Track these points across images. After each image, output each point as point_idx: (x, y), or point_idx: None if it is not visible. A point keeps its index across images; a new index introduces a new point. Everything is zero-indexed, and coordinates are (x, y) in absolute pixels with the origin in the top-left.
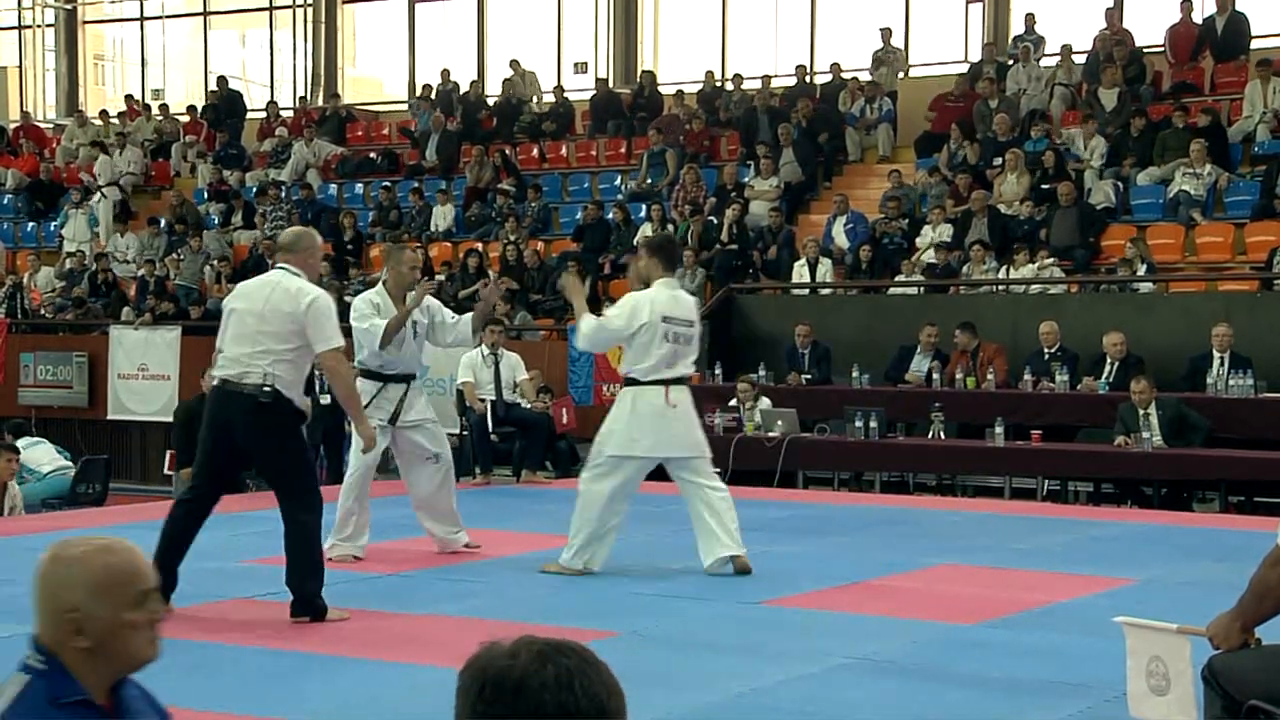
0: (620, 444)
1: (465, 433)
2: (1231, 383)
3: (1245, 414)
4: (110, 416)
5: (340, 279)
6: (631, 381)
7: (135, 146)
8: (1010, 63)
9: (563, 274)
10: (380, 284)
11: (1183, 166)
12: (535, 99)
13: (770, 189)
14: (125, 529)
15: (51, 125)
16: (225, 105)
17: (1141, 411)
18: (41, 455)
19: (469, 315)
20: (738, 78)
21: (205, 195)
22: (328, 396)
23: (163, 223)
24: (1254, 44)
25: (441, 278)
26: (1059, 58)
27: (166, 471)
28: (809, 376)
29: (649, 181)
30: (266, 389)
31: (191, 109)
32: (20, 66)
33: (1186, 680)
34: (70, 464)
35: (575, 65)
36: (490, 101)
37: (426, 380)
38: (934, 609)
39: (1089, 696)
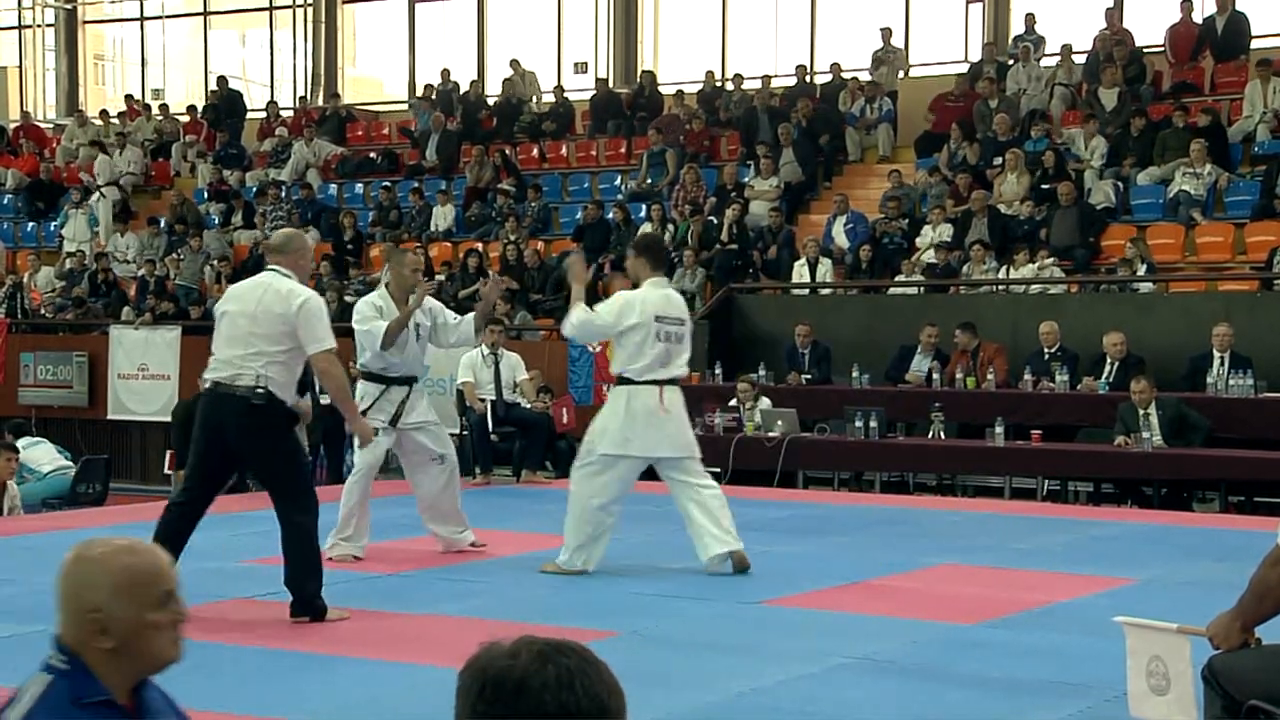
0: (613, 443)
1: (465, 433)
2: (1231, 383)
3: (1245, 414)
4: (110, 416)
5: (340, 279)
6: (625, 380)
7: (135, 146)
8: (1010, 63)
9: (570, 255)
10: (382, 286)
11: (1183, 166)
12: (535, 99)
13: (770, 189)
14: (125, 529)
15: (51, 125)
16: (225, 105)
17: (1141, 411)
18: (42, 455)
19: (470, 315)
20: (738, 78)
21: (205, 195)
22: (327, 396)
23: (163, 223)
24: (1254, 44)
25: (441, 278)
26: (1059, 58)
27: (166, 471)
28: (809, 376)
29: (649, 181)
30: (259, 391)
31: (191, 109)
32: (20, 66)
33: (1186, 680)
34: (70, 464)
35: (575, 65)
36: (490, 101)
37: (426, 380)
38: (934, 609)
39: (1089, 696)
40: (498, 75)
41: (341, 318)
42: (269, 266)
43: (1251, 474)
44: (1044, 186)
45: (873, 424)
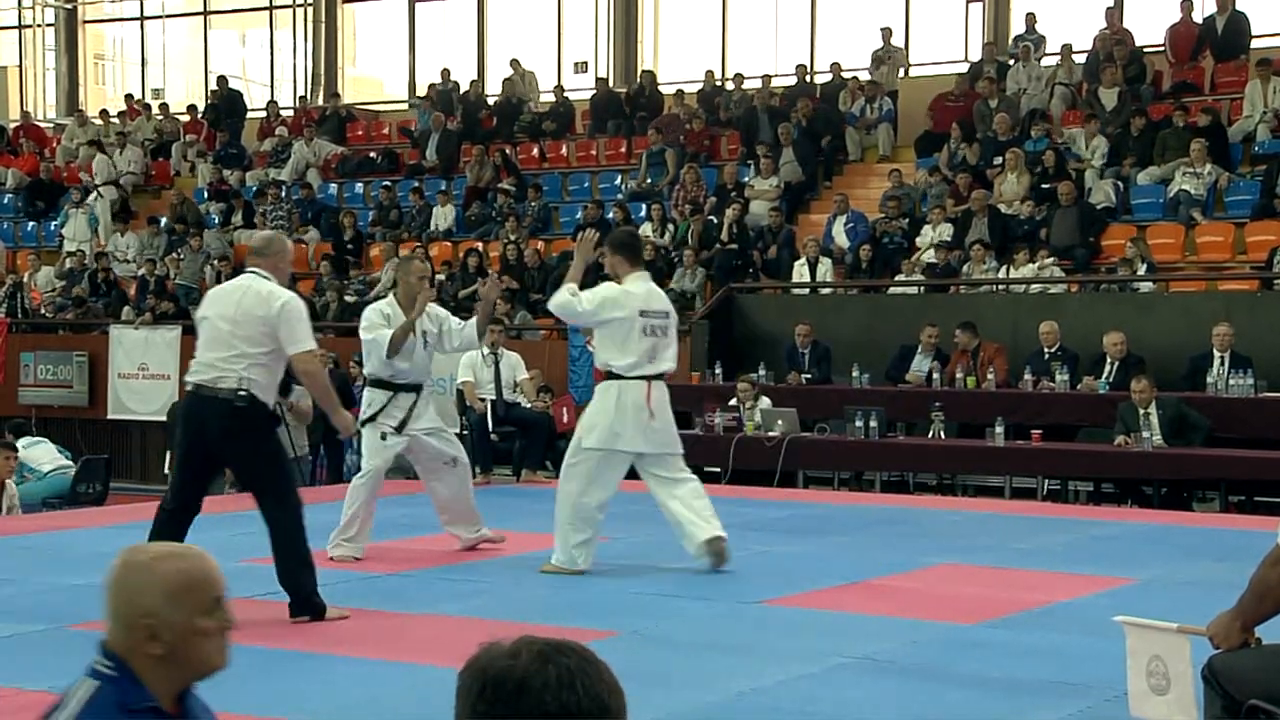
0: (602, 438)
1: (465, 432)
2: (1232, 382)
3: (1245, 414)
4: (110, 416)
5: (340, 279)
6: (613, 376)
7: (135, 146)
8: (1010, 62)
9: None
10: (390, 294)
11: (1183, 166)
12: (534, 100)
13: (770, 188)
14: (125, 529)
15: (52, 125)
16: (225, 105)
17: (1142, 411)
18: (42, 454)
19: (473, 320)
20: (738, 77)
21: (205, 195)
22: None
23: (163, 222)
24: (1254, 44)
25: (441, 278)
26: (1059, 57)
27: (166, 471)
28: (809, 376)
29: (649, 181)
30: (242, 394)
31: (192, 108)
32: (20, 66)
33: (1186, 680)
34: (71, 463)
35: (575, 65)
36: (490, 101)
37: (426, 380)
38: (934, 609)
39: (1089, 696)
40: (498, 75)
41: (342, 317)
42: (249, 269)
43: (1251, 474)
44: (1044, 186)
45: (873, 424)
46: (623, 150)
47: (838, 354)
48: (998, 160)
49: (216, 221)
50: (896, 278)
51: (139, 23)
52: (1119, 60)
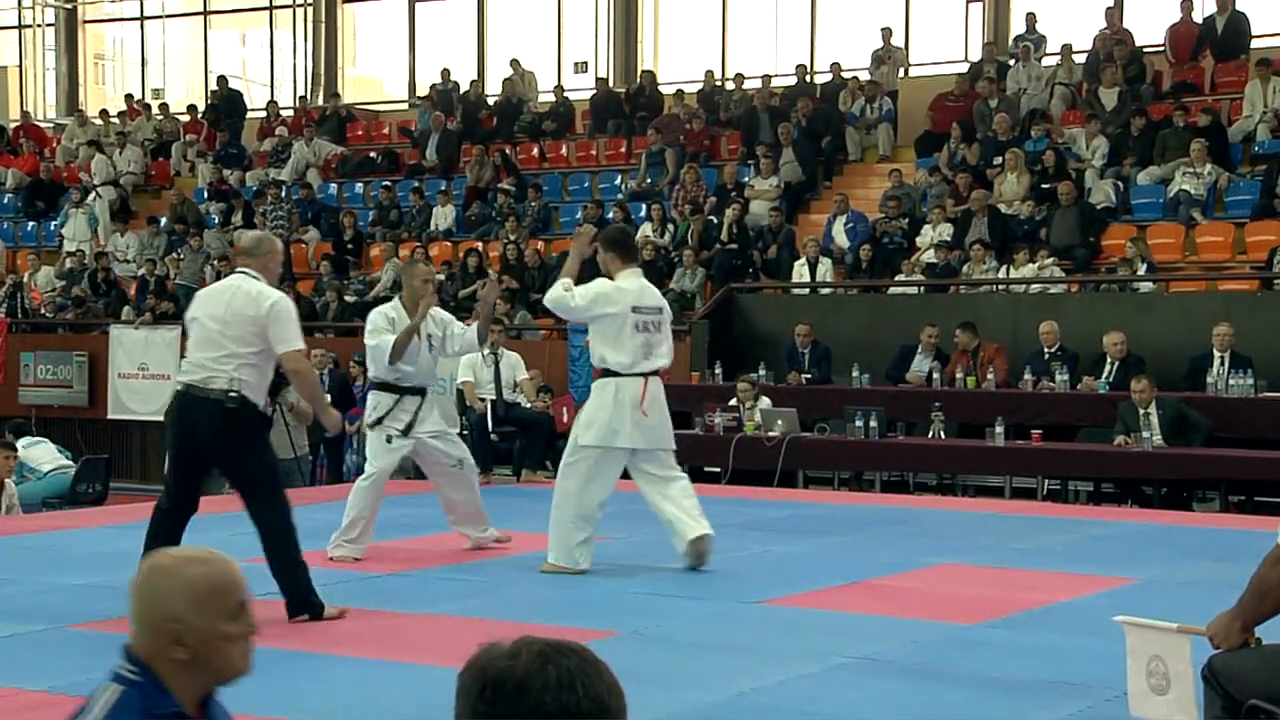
0: (600, 435)
1: (465, 432)
2: (1232, 382)
3: (1245, 414)
4: (110, 416)
5: (340, 279)
6: (609, 373)
7: (135, 146)
8: (1010, 62)
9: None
10: (397, 298)
11: (1183, 166)
12: (534, 100)
13: (770, 188)
14: (125, 529)
15: (52, 125)
16: (225, 105)
17: (1142, 411)
18: (42, 454)
19: (475, 324)
20: (739, 77)
21: (205, 195)
22: (327, 396)
23: (163, 222)
24: (1254, 44)
25: (441, 278)
26: (1059, 57)
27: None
28: (809, 376)
29: (649, 181)
30: (233, 394)
31: (192, 108)
32: (20, 66)
33: (1187, 680)
34: (71, 463)
35: (575, 65)
36: (490, 101)
37: None
38: (934, 609)
39: (1089, 696)
40: (498, 75)
41: (342, 317)
42: (238, 269)
43: (1251, 474)
44: (1044, 186)
45: (873, 424)
46: (623, 150)
47: (838, 354)
48: (998, 160)
49: (216, 221)
50: (896, 278)
51: (139, 23)
52: (1119, 60)
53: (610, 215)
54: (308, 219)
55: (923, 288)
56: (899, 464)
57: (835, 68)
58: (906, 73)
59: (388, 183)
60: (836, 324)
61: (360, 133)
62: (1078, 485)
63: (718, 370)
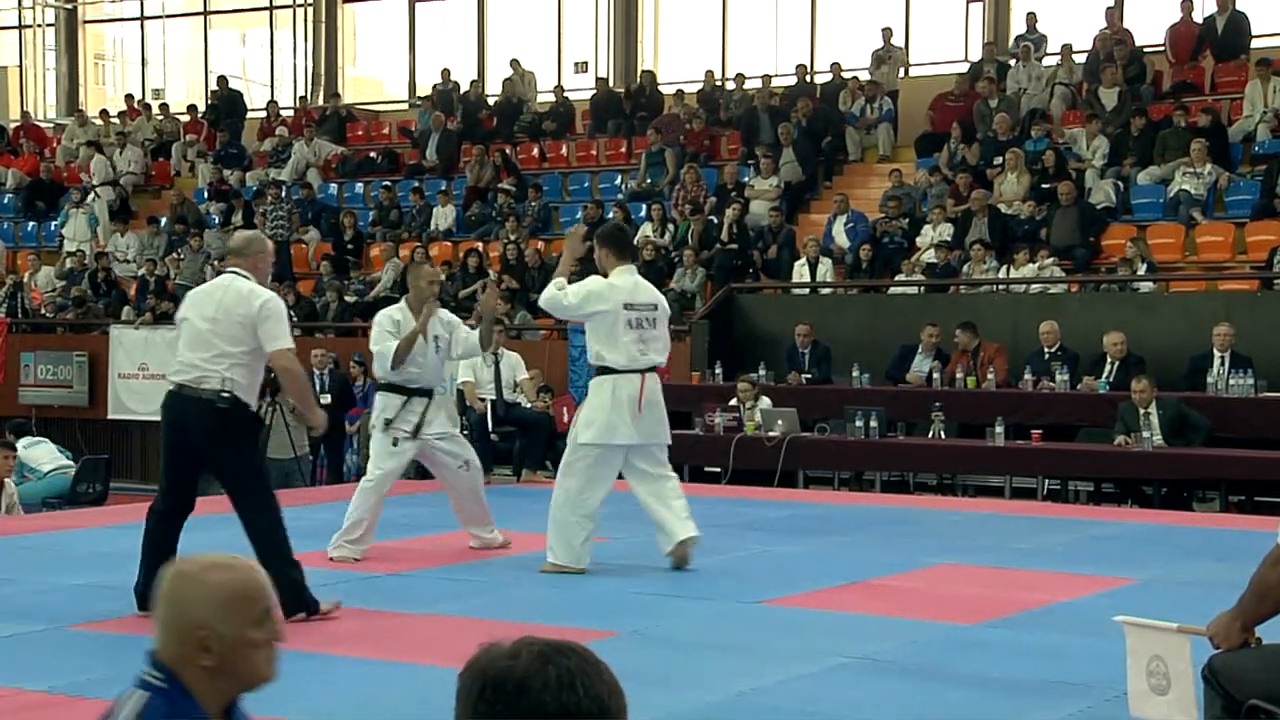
0: (599, 433)
1: (465, 432)
2: (1232, 382)
3: (1246, 414)
4: (110, 416)
5: (340, 279)
6: (606, 370)
7: (135, 146)
8: (1010, 62)
9: (574, 226)
10: (403, 300)
11: (1183, 166)
12: (534, 100)
13: (770, 188)
14: (125, 529)
15: (52, 125)
16: (225, 105)
17: (1142, 411)
18: (43, 454)
19: (478, 330)
20: (739, 77)
21: (205, 195)
22: (328, 396)
23: (163, 222)
24: (1254, 43)
25: (442, 277)
26: (1059, 57)
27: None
28: (809, 376)
29: (649, 181)
30: (225, 394)
31: (192, 108)
32: (20, 66)
33: (1187, 680)
34: (71, 463)
35: (575, 65)
36: (490, 101)
37: None
38: (934, 609)
39: (1089, 696)
40: (498, 75)
41: (342, 318)
42: (229, 269)
43: (1251, 474)
44: (1044, 186)
45: (873, 424)
46: (623, 150)
47: (838, 354)
48: (998, 160)
49: (216, 221)
50: (896, 278)
51: (139, 23)
52: (1119, 60)
53: (610, 215)
54: (308, 219)
55: (923, 288)
56: (899, 464)
57: (835, 68)
58: (907, 73)
59: (388, 183)
60: (836, 324)
61: (360, 133)
62: (1078, 485)
63: (718, 370)
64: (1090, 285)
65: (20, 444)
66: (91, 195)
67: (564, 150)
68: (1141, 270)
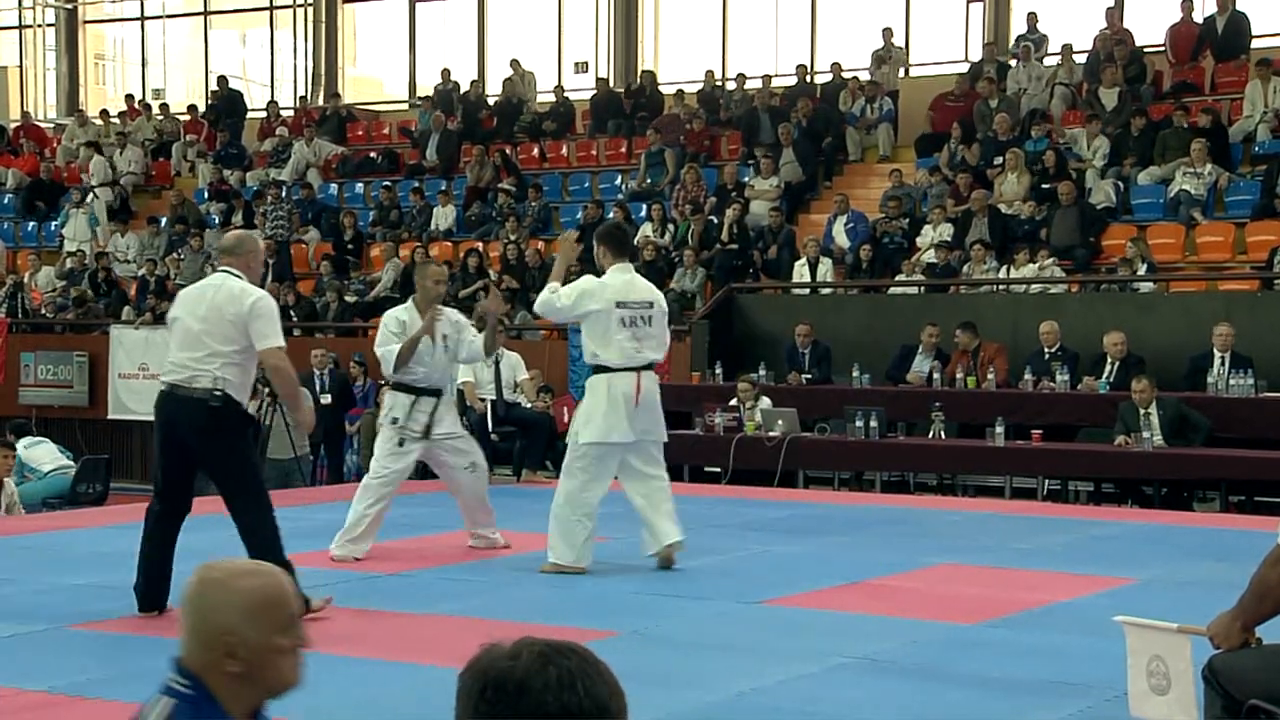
0: (598, 432)
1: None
2: (1232, 382)
3: (1246, 414)
4: (111, 416)
5: (340, 279)
6: (602, 369)
7: (136, 146)
8: (1011, 62)
9: (566, 232)
10: (411, 300)
11: (1183, 166)
12: (534, 100)
13: (770, 188)
14: (125, 529)
15: (52, 125)
16: (225, 105)
17: (1142, 411)
18: (43, 454)
19: (482, 335)
20: (739, 77)
21: (206, 195)
22: (328, 397)
23: (163, 222)
24: (1254, 44)
25: (448, 277)
26: (1059, 57)
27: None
28: (809, 376)
29: (649, 181)
30: (217, 394)
31: (192, 108)
32: (20, 66)
33: (1187, 680)
34: (71, 463)
35: (575, 65)
36: (490, 101)
37: None
38: (934, 609)
39: (1089, 696)
40: (498, 75)
41: (342, 318)
42: (220, 268)
43: (1251, 474)
44: (1044, 186)
45: (873, 424)
46: (623, 150)
47: (838, 354)
48: (998, 160)
49: (217, 221)
50: (897, 278)
51: (139, 23)
52: (1119, 60)
53: (610, 215)
54: (308, 219)
55: (923, 288)
56: (899, 464)
57: (835, 68)
58: (907, 73)
59: (388, 183)
60: (836, 324)
61: (360, 133)
62: (1078, 485)
63: (718, 370)
64: (1090, 285)
65: (20, 444)
66: (91, 195)
67: (564, 150)
68: (1142, 270)
